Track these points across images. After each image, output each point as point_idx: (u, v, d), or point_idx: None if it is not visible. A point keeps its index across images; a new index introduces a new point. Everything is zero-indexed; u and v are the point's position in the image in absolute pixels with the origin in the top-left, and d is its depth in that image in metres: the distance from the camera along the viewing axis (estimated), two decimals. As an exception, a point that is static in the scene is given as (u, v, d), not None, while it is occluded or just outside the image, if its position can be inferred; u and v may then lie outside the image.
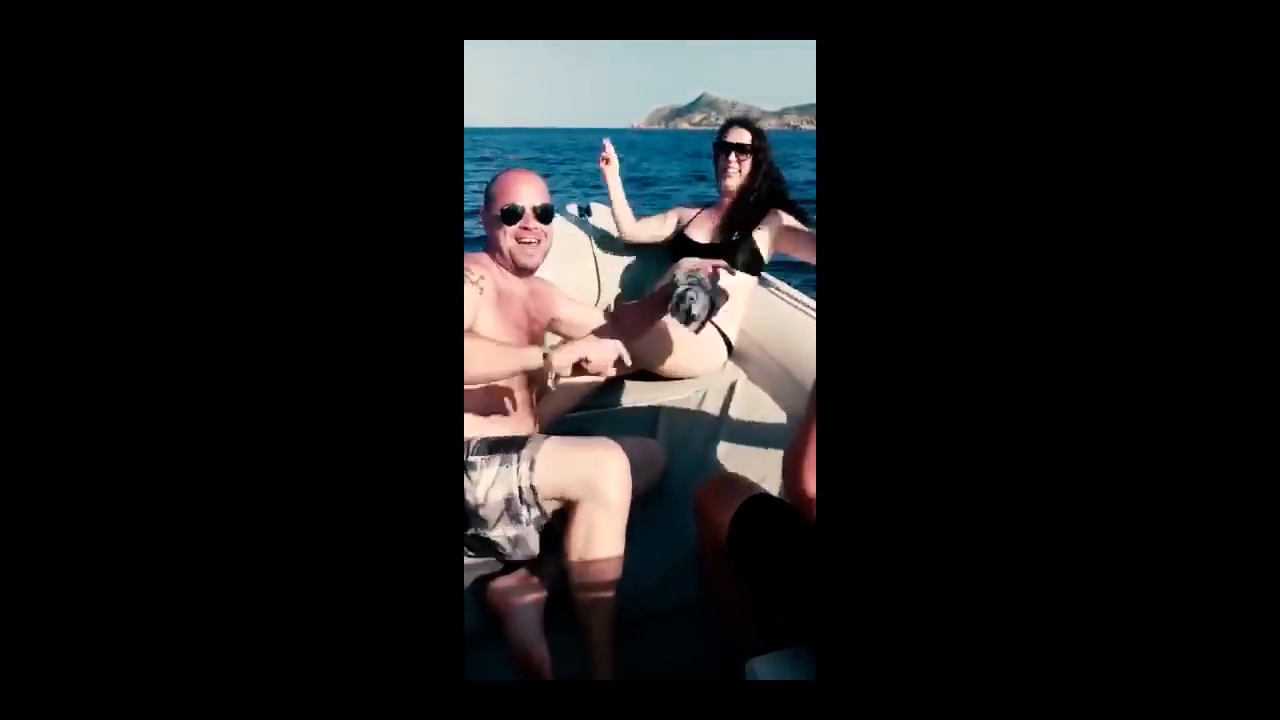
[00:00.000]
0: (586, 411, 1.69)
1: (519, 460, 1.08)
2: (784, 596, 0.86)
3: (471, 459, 1.10)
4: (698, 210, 2.13)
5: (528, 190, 1.30)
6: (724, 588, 1.01)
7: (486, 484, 1.08)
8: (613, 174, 2.13)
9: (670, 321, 1.30)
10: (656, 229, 2.20)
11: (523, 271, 1.33)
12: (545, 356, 1.09)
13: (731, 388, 1.80)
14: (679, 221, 2.14)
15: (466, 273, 1.20)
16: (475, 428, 1.18)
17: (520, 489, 1.07)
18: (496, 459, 1.09)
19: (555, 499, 1.09)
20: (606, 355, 1.11)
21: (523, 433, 1.23)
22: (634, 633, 1.10)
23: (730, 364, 1.95)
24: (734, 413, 1.69)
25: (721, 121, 2.11)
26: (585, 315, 1.46)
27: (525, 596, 1.09)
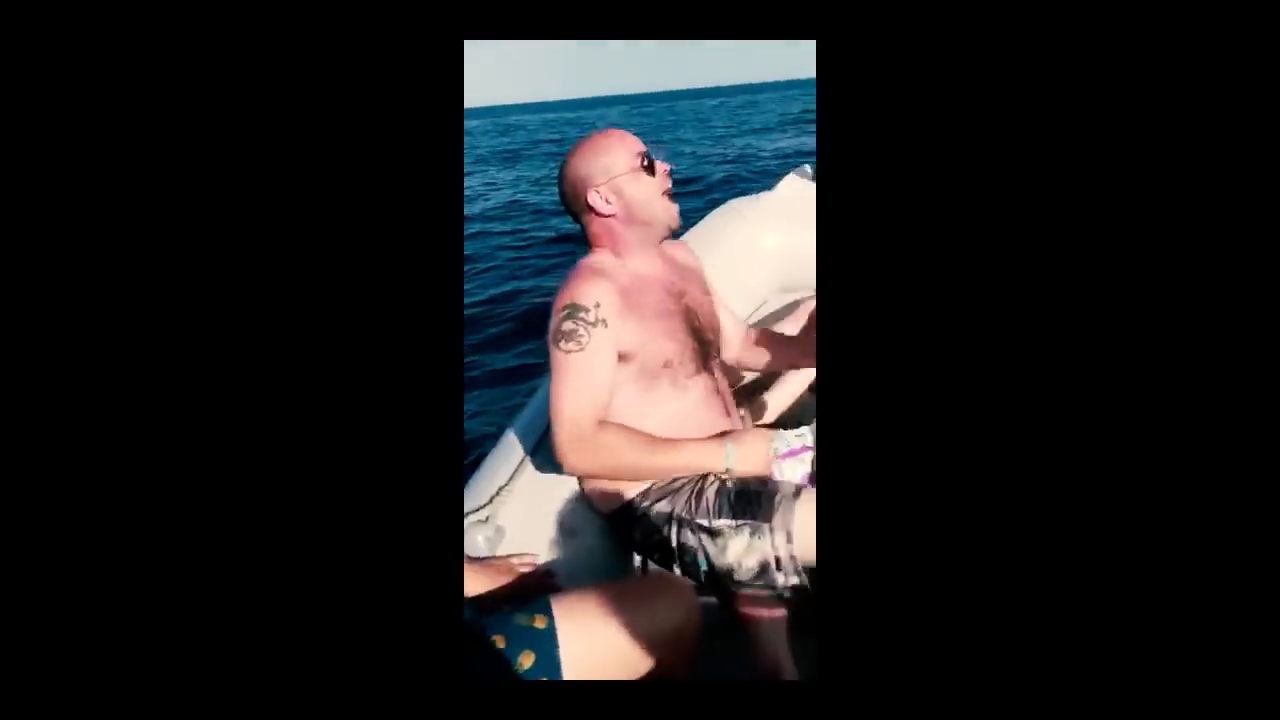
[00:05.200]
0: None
1: (772, 531, 0.99)
2: None
3: (718, 524, 1.00)
4: None
5: (634, 139, 1.13)
6: None
7: (738, 553, 0.99)
8: None
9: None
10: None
11: (663, 238, 1.15)
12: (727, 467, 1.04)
13: None
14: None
15: (577, 309, 1.04)
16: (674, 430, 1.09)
17: (777, 559, 0.99)
18: (746, 528, 0.99)
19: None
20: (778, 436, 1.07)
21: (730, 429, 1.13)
22: None
23: None
24: None
25: None
26: (727, 319, 1.30)
27: (770, 610, 1.02)
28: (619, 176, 1.10)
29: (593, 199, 1.11)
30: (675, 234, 1.19)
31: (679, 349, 1.10)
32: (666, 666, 0.89)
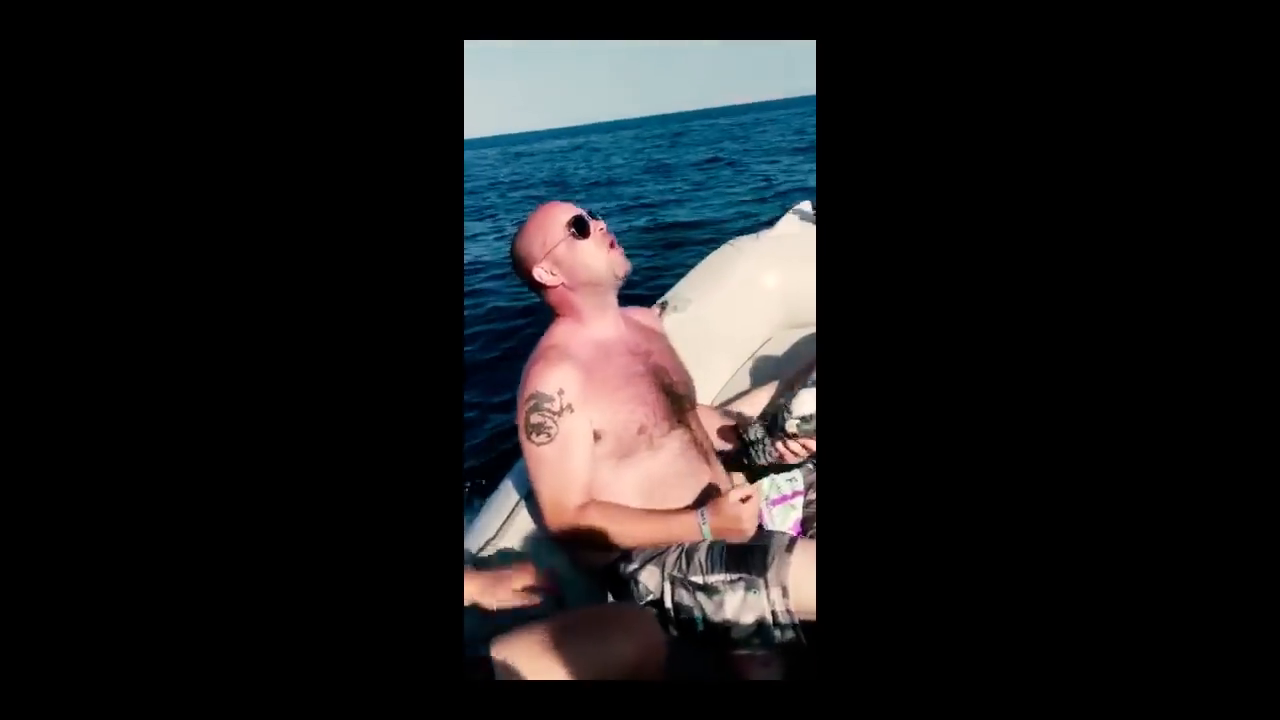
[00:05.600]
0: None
1: (767, 586, 0.98)
2: None
3: (712, 580, 1.01)
4: None
5: (567, 205, 1.18)
6: None
7: (734, 609, 0.99)
8: None
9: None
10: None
11: (613, 289, 1.17)
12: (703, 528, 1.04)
13: None
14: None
15: (541, 400, 1.07)
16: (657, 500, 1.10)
17: (774, 614, 0.99)
18: (740, 584, 0.99)
19: (814, 617, 0.98)
20: (757, 505, 1.06)
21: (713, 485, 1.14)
22: None
23: None
24: None
25: None
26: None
27: (766, 665, 1.04)
28: (555, 248, 1.14)
29: (538, 274, 1.15)
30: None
31: (649, 412, 1.13)
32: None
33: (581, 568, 1.19)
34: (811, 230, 2.21)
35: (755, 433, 1.12)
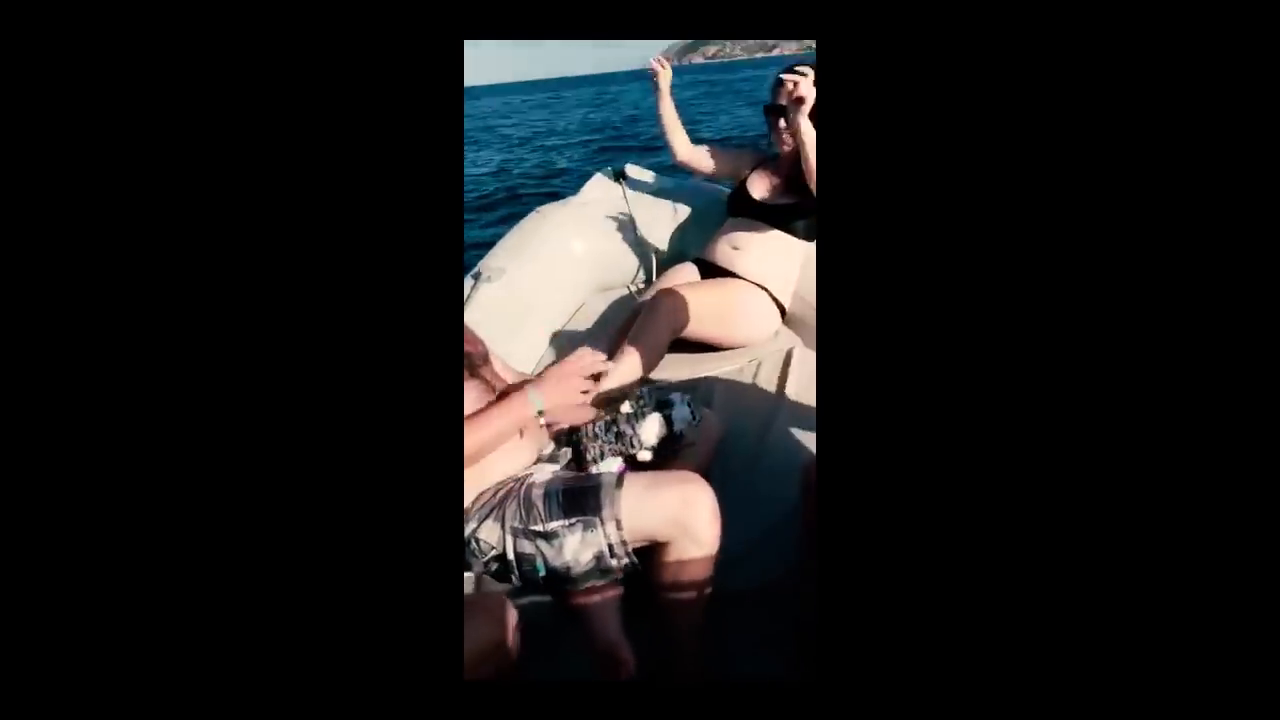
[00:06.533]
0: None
1: (603, 523, 1.05)
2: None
3: (552, 526, 1.06)
4: (756, 161, 1.95)
5: None
6: None
7: (574, 550, 1.05)
8: (665, 84, 1.97)
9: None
10: (718, 163, 2.04)
11: None
12: (539, 412, 1.07)
13: (788, 356, 1.71)
14: (737, 169, 1.99)
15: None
16: (492, 471, 1.13)
17: (610, 546, 1.05)
18: (579, 525, 1.05)
19: (645, 542, 1.06)
20: (589, 363, 1.11)
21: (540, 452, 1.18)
22: (712, 616, 1.08)
23: (785, 330, 1.84)
24: (792, 381, 1.61)
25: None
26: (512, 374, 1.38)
27: (604, 594, 1.07)
28: None
29: None
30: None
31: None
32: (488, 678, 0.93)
33: None
34: (616, 192, 2.27)
35: (595, 430, 1.17)
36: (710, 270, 1.83)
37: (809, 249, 1.82)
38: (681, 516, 1.04)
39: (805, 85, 1.56)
